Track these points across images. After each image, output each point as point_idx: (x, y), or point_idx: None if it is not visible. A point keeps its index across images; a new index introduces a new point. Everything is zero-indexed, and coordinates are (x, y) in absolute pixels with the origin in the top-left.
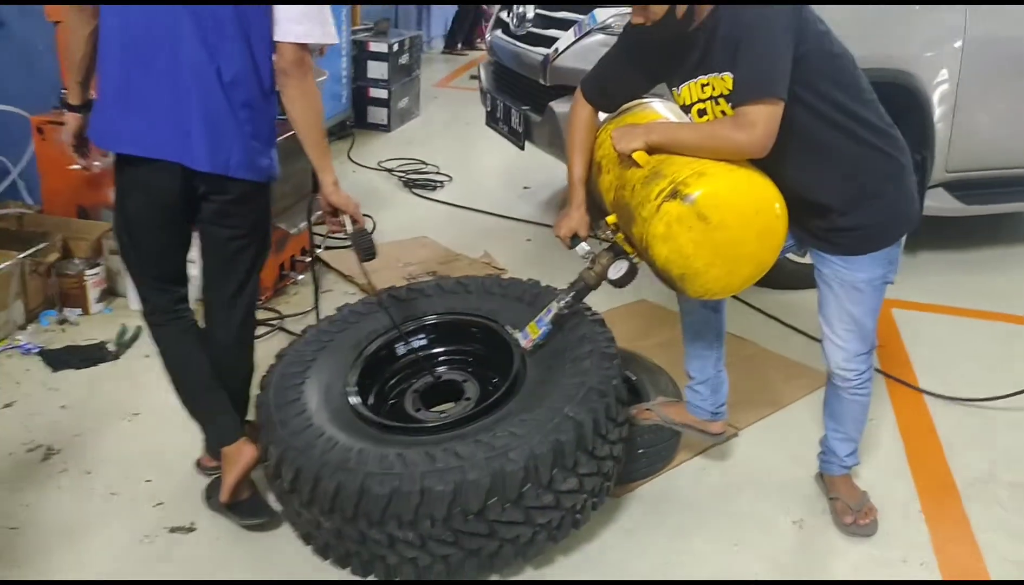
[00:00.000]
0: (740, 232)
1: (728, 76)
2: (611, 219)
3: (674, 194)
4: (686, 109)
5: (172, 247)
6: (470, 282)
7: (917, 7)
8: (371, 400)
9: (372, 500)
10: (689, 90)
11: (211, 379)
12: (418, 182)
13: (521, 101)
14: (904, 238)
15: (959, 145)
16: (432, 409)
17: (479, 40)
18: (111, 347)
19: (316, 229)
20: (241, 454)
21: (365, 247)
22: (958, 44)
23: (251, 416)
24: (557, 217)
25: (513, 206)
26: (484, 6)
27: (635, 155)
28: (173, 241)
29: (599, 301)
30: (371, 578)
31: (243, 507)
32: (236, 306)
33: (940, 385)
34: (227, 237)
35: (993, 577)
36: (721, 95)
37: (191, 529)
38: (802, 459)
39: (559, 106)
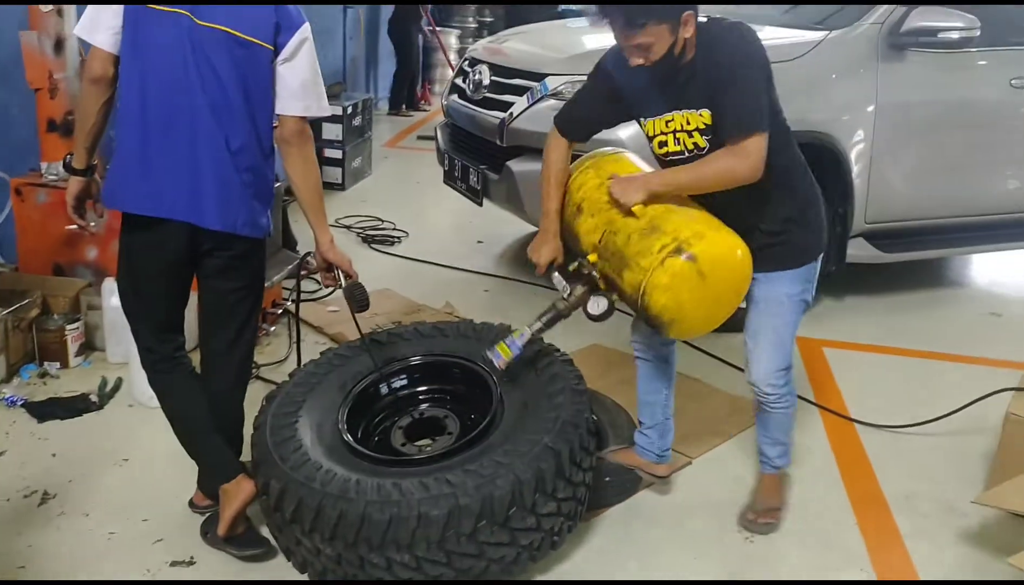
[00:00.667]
0: (726, 284)
1: (705, 112)
2: (593, 257)
3: (678, 251)
4: (648, 139)
5: (174, 299)
6: (446, 327)
7: (834, 76)
8: (359, 436)
9: (373, 526)
10: (654, 124)
11: (209, 421)
12: (376, 238)
13: (478, 161)
14: (819, 263)
15: (875, 199)
16: (416, 443)
17: (421, 102)
18: (94, 398)
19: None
20: (240, 490)
21: (360, 299)
22: (871, 108)
23: (245, 456)
24: (532, 244)
25: (469, 259)
26: (423, 69)
27: (635, 208)
28: (175, 293)
29: (557, 345)
30: None
31: (240, 540)
32: (233, 354)
33: (868, 414)
34: (228, 289)
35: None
36: (696, 129)
37: (191, 563)
38: (744, 481)
39: (516, 165)
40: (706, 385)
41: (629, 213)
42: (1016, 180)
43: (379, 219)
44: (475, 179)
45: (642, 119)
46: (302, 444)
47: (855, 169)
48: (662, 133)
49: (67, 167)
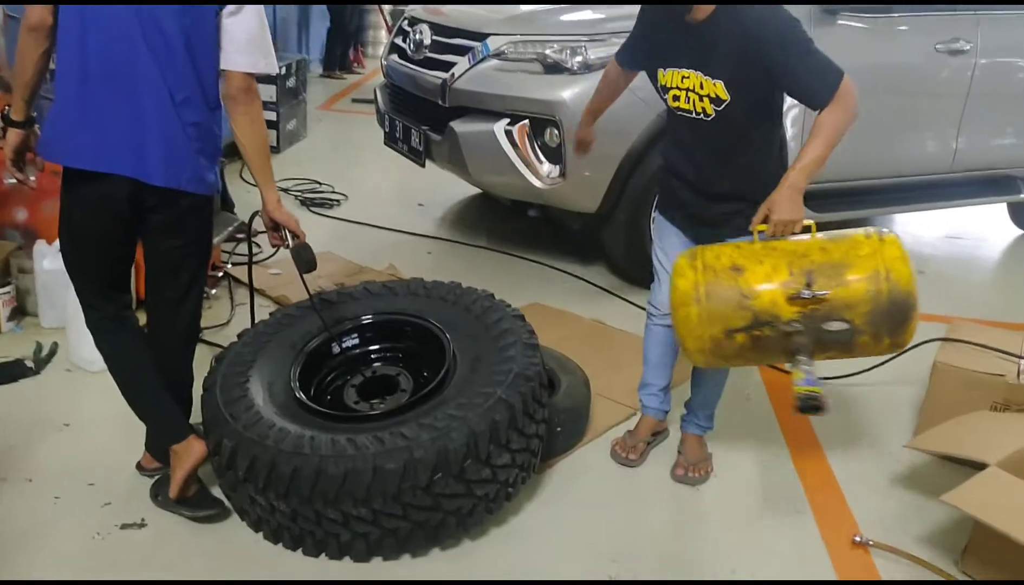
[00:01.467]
0: None
1: (720, 85)
2: (793, 313)
3: (880, 234)
4: (663, 89)
5: (117, 256)
6: (396, 285)
7: None
8: (311, 395)
9: (328, 480)
10: (672, 75)
11: (158, 381)
12: (315, 201)
13: (420, 122)
14: None
15: None
16: (369, 401)
17: (354, 65)
18: (29, 363)
19: (229, 246)
20: (191, 451)
21: (307, 259)
22: None
23: (195, 419)
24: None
25: (410, 222)
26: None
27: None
28: (119, 250)
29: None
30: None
31: (192, 501)
32: (180, 312)
33: None
34: (173, 247)
35: (859, 521)
36: (708, 96)
37: (142, 525)
38: None
39: (459, 126)
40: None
41: (801, 230)
42: (937, 143)
43: (317, 182)
44: (417, 140)
45: (661, 70)
46: (254, 403)
47: (790, 132)
48: (677, 88)
49: (5, 120)
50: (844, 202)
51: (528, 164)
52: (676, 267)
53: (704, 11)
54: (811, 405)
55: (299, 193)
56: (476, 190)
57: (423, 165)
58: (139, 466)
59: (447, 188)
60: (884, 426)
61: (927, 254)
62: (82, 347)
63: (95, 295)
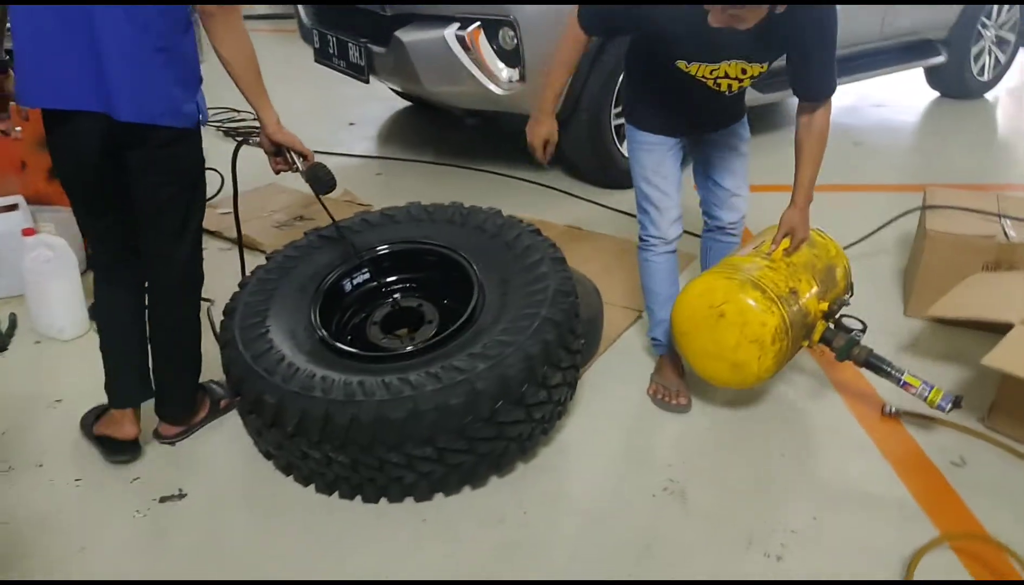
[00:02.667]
0: None
1: (763, 66)
2: (823, 306)
3: (822, 234)
4: (678, 68)
5: (102, 200)
6: (395, 212)
7: None
8: (337, 337)
9: (389, 425)
10: (699, 68)
11: (133, 339)
12: (240, 130)
13: (358, 34)
14: None
15: None
16: (395, 336)
17: None
18: None
19: None
20: (122, 428)
21: (325, 180)
22: None
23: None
24: (528, 127)
25: (347, 143)
26: None
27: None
28: (102, 193)
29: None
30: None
31: (111, 444)
32: (174, 258)
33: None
34: (157, 184)
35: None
36: (747, 76)
37: (182, 495)
38: None
39: (406, 35)
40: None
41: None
42: (869, 12)
43: (233, 109)
44: (357, 55)
45: (683, 62)
46: (284, 354)
47: None
48: (702, 76)
49: None
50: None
51: (484, 70)
52: (754, 306)
53: (759, 13)
54: (957, 401)
55: (219, 123)
56: (405, 103)
57: (367, 81)
58: (156, 434)
59: (375, 104)
60: (874, 300)
61: (860, 126)
62: (49, 315)
63: (93, 238)
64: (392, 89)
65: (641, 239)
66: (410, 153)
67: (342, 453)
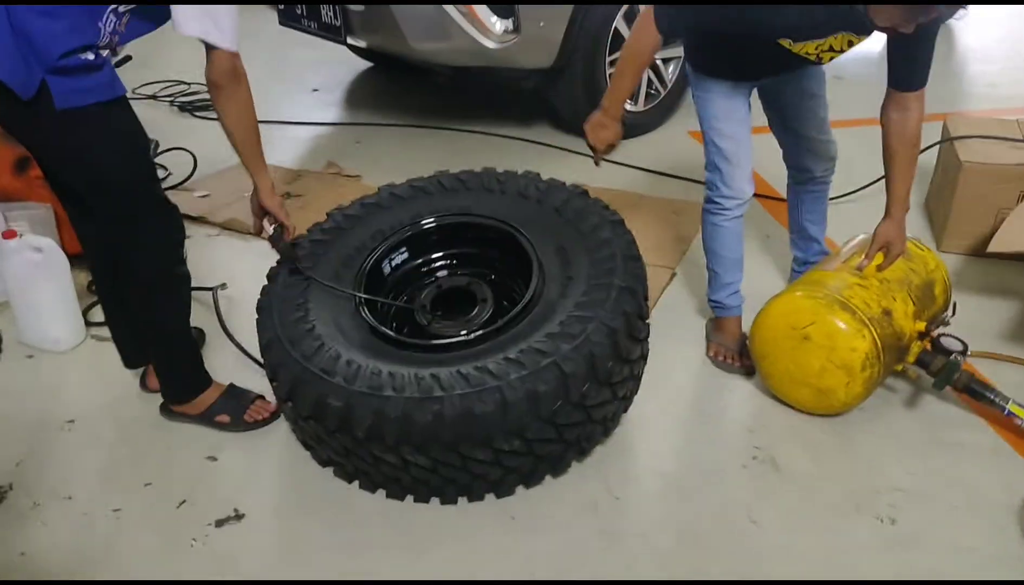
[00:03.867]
0: None
1: (864, 36)
2: (920, 326)
3: (919, 244)
4: (792, 53)
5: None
6: (425, 183)
7: None
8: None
9: (476, 420)
10: (804, 45)
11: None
12: (195, 104)
13: None
14: None
15: None
16: (447, 319)
17: None
18: None
19: None
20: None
21: (287, 254)
22: None
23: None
24: (590, 124)
25: (316, 111)
26: None
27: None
28: None
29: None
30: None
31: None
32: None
33: None
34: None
35: None
36: (841, 49)
37: (239, 516)
38: None
39: None
40: (639, 194)
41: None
42: None
43: (182, 82)
44: (330, 15)
45: (788, 41)
46: (339, 353)
47: None
48: (805, 52)
49: None
50: None
51: (475, 23)
52: (843, 328)
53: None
54: None
55: (170, 97)
56: (366, 64)
57: (344, 42)
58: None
59: (336, 67)
60: None
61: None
62: (41, 325)
63: None
64: (352, 49)
65: (710, 202)
66: (386, 117)
67: (421, 454)
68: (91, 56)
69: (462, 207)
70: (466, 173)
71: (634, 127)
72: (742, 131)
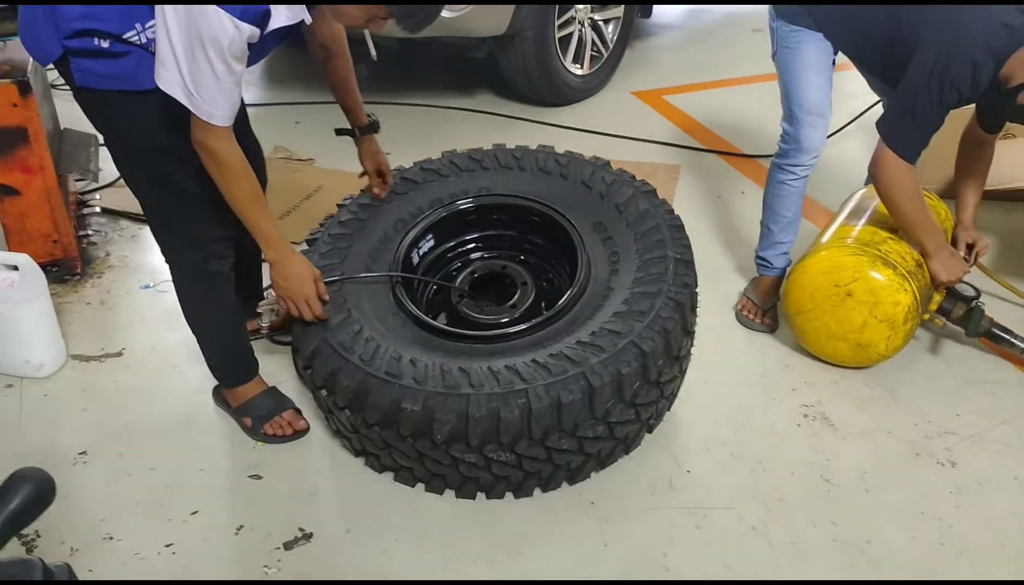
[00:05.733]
0: None
1: None
2: (940, 296)
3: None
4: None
5: None
6: (436, 166)
7: None
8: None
9: (564, 410)
10: None
11: None
12: None
13: None
14: None
15: None
16: (489, 306)
17: None
18: None
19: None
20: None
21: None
22: None
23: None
24: (939, 264)
25: (246, 91)
26: None
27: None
28: None
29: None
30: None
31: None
32: None
33: (759, 147)
34: None
35: None
36: None
37: (308, 536)
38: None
39: None
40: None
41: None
42: None
43: None
44: None
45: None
46: (400, 353)
47: None
48: None
49: None
50: None
51: None
52: (887, 284)
53: None
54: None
55: None
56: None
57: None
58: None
59: None
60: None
61: (756, 12)
62: (21, 351)
63: None
64: None
65: (783, 157)
66: (319, 95)
67: (505, 451)
68: (105, 43)
69: (481, 188)
70: (478, 151)
71: (580, 92)
72: (828, 84)
